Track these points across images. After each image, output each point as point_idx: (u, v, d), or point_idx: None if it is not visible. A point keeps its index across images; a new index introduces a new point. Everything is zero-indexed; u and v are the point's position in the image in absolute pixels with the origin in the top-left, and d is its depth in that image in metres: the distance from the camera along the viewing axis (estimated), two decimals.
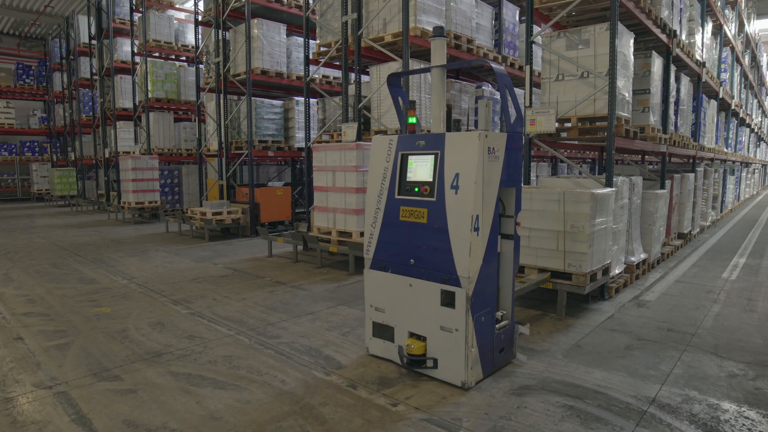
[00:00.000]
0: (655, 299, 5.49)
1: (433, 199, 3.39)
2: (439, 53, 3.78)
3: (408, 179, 3.58)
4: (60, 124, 21.52)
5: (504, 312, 3.72)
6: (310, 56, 8.89)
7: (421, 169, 3.52)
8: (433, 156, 3.44)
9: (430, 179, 3.44)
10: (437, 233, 3.37)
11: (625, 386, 3.39)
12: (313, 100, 10.03)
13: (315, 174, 7.41)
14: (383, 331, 3.74)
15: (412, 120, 3.81)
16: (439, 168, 3.39)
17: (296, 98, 10.96)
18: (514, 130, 3.58)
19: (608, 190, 5.15)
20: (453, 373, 3.36)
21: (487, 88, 8.45)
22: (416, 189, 3.50)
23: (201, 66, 12.83)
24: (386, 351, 3.75)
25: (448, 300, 3.33)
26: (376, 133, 7.73)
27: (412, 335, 3.56)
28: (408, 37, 6.91)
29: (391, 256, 3.66)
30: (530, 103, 5.97)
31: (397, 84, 4.03)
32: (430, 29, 7.21)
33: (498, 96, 8.73)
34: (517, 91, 9.14)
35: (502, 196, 3.62)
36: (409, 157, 3.59)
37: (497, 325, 3.55)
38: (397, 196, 3.61)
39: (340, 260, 7.71)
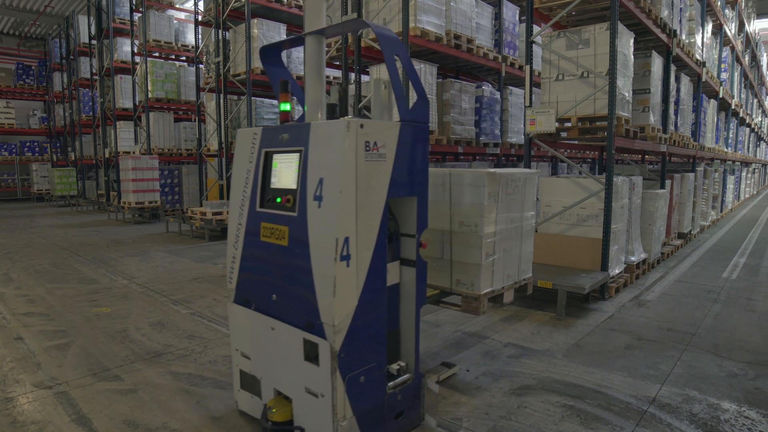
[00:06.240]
0: (656, 299, 5.49)
1: (295, 214, 2.53)
2: (314, 17, 2.89)
3: (272, 186, 2.72)
4: (60, 124, 21.51)
5: (405, 363, 2.84)
6: None
7: (285, 172, 2.66)
8: (297, 154, 2.58)
9: (294, 186, 2.58)
10: (299, 261, 2.50)
11: (625, 386, 3.39)
12: None
13: None
14: (250, 383, 2.91)
15: (285, 107, 2.83)
16: (302, 171, 2.52)
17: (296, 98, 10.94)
18: (413, 118, 2.68)
19: (518, 171, 3.64)
20: None
21: (488, 88, 8.45)
22: (278, 199, 2.64)
23: (201, 66, 12.83)
24: (255, 408, 2.91)
25: (312, 353, 2.48)
26: None
27: (279, 394, 2.73)
28: (408, 36, 6.91)
29: (254, 287, 2.81)
30: (530, 102, 5.98)
31: (275, 62, 3.13)
32: (431, 29, 7.21)
33: (498, 96, 8.72)
34: (517, 90, 9.13)
35: (396, 208, 2.81)
36: (274, 157, 2.74)
37: (391, 383, 2.70)
38: (258, 209, 2.75)
39: None
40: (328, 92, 2.91)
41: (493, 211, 3.37)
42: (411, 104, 2.80)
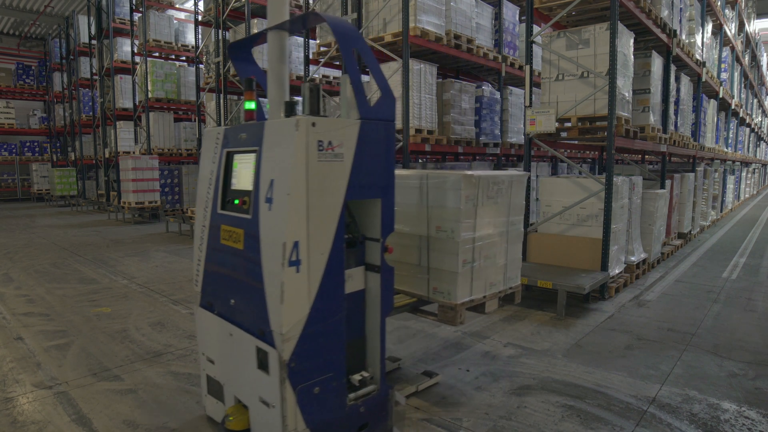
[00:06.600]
0: (656, 299, 5.49)
1: (249, 217, 2.48)
2: (277, 11, 2.83)
3: (232, 187, 2.70)
4: (60, 124, 21.51)
5: (369, 374, 2.69)
6: (310, 56, 8.89)
7: (244, 172, 2.61)
8: (254, 155, 2.52)
9: (250, 188, 2.52)
10: (252, 266, 2.45)
11: (625, 386, 3.39)
12: None
13: None
14: (215, 389, 2.86)
15: (249, 105, 2.77)
16: (256, 172, 2.47)
17: (296, 98, 10.95)
18: (376, 116, 2.56)
19: (502, 173, 3.41)
20: None
21: (488, 88, 8.45)
22: (236, 201, 2.62)
23: (201, 66, 12.84)
24: (219, 413, 2.84)
25: (264, 362, 2.39)
26: None
27: (238, 401, 2.67)
28: (408, 36, 6.91)
29: (215, 291, 2.79)
30: (530, 102, 5.98)
31: (245, 58, 3.04)
32: (431, 29, 7.21)
33: (498, 96, 8.73)
34: (517, 90, 9.13)
35: (359, 210, 2.70)
36: (235, 157, 2.71)
37: (352, 394, 2.58)
38: (219, 211, 2.72)
39: None
40: (298, 90, 2.83)
41: (472, 216, 3.15)
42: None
